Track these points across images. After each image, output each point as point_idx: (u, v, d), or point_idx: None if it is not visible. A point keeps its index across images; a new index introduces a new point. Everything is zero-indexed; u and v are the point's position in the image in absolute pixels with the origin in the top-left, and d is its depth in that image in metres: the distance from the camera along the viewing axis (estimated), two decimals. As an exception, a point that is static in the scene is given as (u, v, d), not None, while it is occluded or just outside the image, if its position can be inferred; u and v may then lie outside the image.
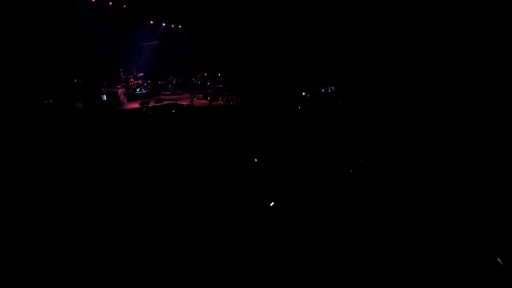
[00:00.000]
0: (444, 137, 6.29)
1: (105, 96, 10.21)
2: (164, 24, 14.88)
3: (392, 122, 7.92)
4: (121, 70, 12.53)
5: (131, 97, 12.35)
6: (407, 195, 4.03)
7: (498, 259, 2.85)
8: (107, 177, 4.84)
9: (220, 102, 12.26)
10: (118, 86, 12.11)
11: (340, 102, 13.51)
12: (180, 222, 3.53)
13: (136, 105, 11.15)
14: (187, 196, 4.13)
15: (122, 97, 11.47)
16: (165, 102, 11.91)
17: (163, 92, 14.65)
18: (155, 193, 4.21)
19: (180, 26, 15.80)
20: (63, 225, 3.47)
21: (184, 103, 11.69)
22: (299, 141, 6.36)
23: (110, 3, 11.28)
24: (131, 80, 12.83)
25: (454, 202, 3.83)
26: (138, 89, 12.90)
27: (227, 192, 4.19)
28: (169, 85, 14.79)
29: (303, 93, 13.70)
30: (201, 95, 13.99)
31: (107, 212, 3.76)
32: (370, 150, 5.71)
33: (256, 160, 5.30)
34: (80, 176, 4.85)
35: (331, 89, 17.45)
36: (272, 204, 3.83)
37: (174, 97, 13.65)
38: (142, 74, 13.28)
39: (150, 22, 14.18)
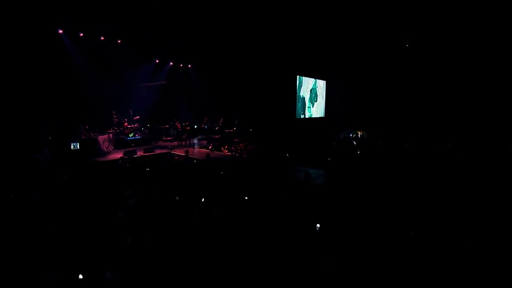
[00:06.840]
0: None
1: (78, 144, 8.11)
2: (171, 64, 13.41)
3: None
4: (114, 112, 10.74)
5: (122, 144, 10.31)
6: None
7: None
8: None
9: (225, 152, 9.81)
10: (109, 131, 10.26)
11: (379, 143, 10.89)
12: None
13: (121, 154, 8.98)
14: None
15: (106, 144, 9.40)
16: (158, 151, 9.68)
17: (163, 138, 12.68)
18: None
19: (189, 66, 14.32)
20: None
21: (181, 152, 9.37)
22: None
23: (102, 38, 9.80)
24: (124, 124, 10.94)
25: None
26: (132, 134, 10.90)
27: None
28: (172, 129, 12.88)
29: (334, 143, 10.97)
30: (206, 141, 11.79)
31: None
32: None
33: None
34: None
35: (363, 134, 14.66)
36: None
37: (173, 143, 11.53)
38: (138, 117, 11.36)
39: (155, 60, 12.74)
